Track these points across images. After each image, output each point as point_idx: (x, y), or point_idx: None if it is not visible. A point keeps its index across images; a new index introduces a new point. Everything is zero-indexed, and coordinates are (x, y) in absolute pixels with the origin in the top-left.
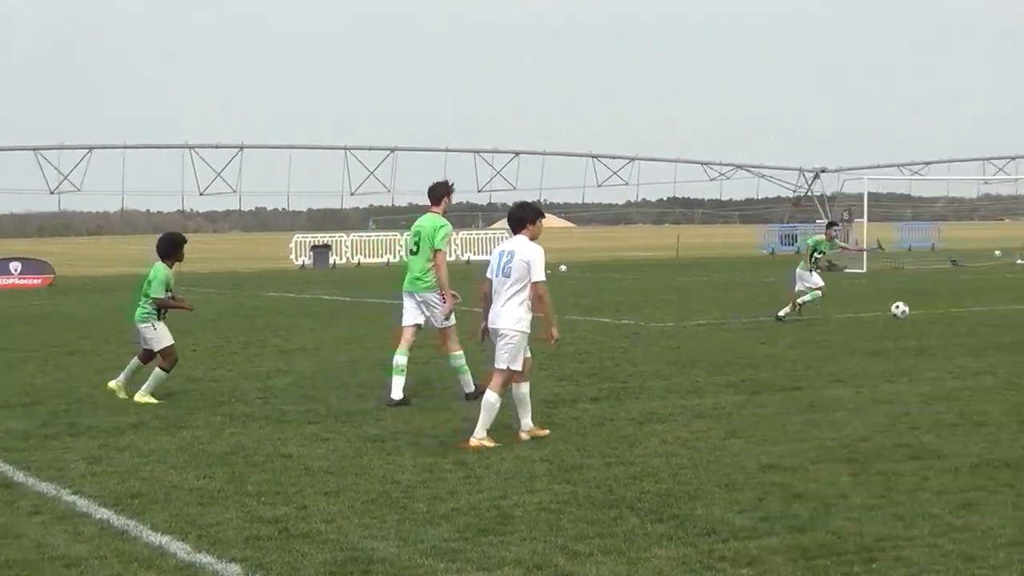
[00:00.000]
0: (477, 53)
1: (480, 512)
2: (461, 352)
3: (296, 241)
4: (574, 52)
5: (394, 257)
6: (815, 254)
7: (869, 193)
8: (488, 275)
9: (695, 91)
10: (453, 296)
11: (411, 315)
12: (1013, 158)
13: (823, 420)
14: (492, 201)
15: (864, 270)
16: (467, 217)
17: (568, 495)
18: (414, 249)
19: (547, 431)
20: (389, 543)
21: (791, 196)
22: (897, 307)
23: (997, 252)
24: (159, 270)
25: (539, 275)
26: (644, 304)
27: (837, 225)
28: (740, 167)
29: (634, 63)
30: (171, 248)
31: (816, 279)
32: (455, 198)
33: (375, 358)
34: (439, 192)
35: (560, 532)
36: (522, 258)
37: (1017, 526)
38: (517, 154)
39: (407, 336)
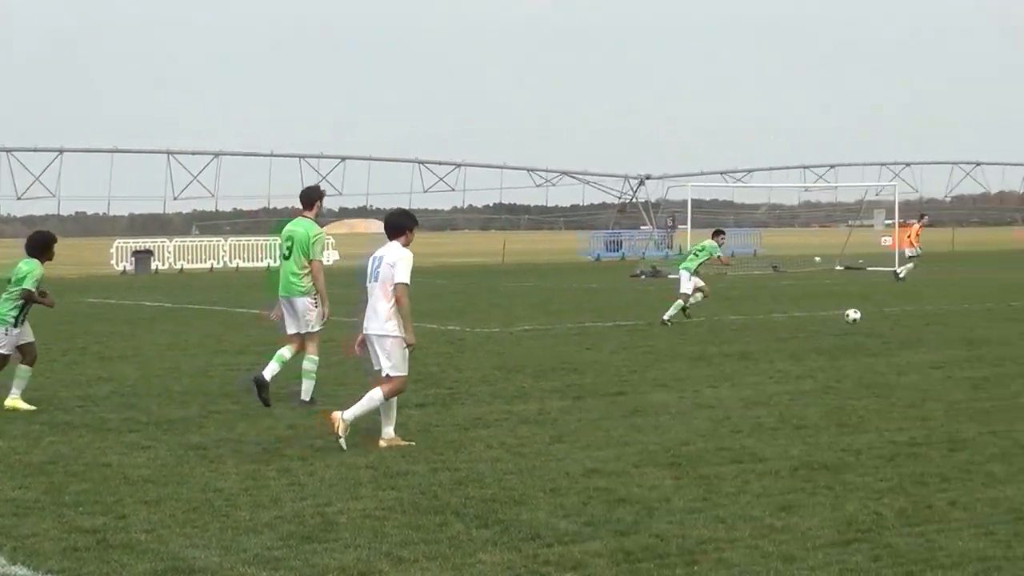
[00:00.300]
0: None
1: (304, 519)
2: (317, 359)
3: (117, 246)
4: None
5: (218, 263)
6: (704, 258)
7: (693, 200)
8: (366, 283)
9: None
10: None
11: (292, 324)
12: (832, 166)
13: (647, 424)
14: None
15: None
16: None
17: (393, 501)
18: (286, 254)
19: (411, 443)
20: (211, 552)
21: (616, 202)
22: (854, 314)
23: (817, 258)
24: (35, 266)
25: (401, 277)
26: (470, 309)
27: (723, 233)
28: (566, 173)
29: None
30: (43, 246)
31: (689, 285)
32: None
33: (198, 365)
34: (312, 196)
35: (385, 538)
36: (389, 262)
37: (835, 527)
38: (343, 159)
39: (311, 340)
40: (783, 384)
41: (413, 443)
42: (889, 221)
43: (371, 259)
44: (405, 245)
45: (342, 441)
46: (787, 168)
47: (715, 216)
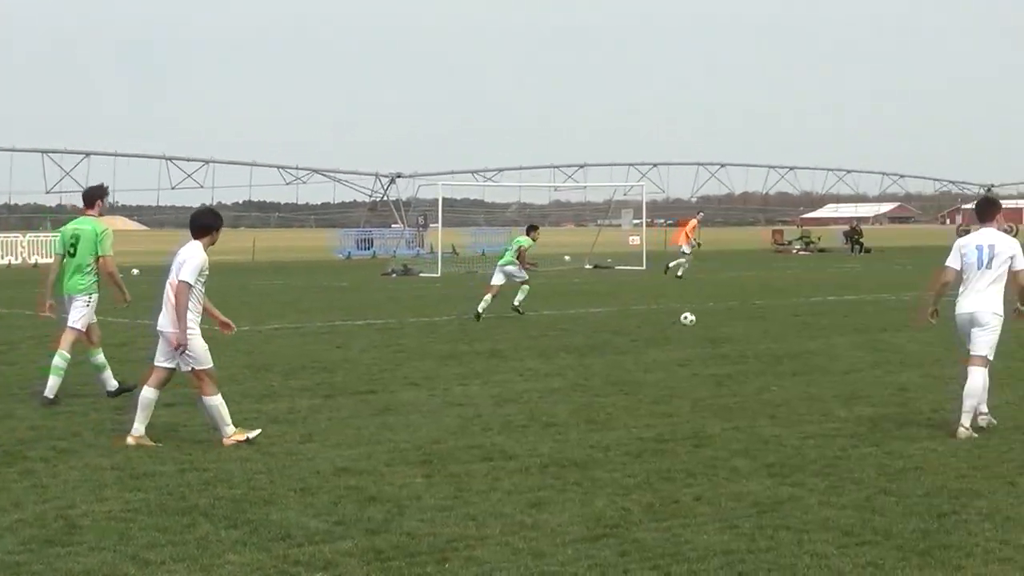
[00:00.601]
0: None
1: (46, 523)
2: (69, 356)
3: None
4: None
5: None
6: (518, 253)
7: (444, 198)
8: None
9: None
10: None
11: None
12: (582, 166)
13: (397, 423)
14: (62, 203)
15: (439, 274)
16: (34, 219)
17: (139, 503)
18: (71, 252)
19: (159, 444)
20: None
21: (367, 201)
22: (686, 318)
23: (567, 257)
24: None
25: (182, 275)
26: (219, 307)
27: (537, 229)
28: (316, 171)
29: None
30: None
31: (523, 273)
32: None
33: None
34: (94, 195)
35: (130, 541)
36: (179, 260)
37: (584, 523)
38: (87, 155)
39: (68, 337)
40: (533, 382)
41: (160, 444)
42: (637, 221)
43: (175, 256)
44: (208, 245)
45: (254, 435)
46: (537, 168)
47: (466, 215)
